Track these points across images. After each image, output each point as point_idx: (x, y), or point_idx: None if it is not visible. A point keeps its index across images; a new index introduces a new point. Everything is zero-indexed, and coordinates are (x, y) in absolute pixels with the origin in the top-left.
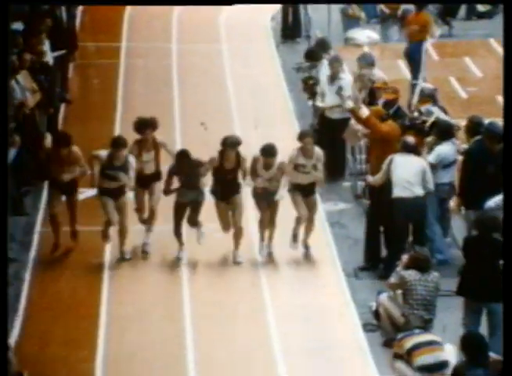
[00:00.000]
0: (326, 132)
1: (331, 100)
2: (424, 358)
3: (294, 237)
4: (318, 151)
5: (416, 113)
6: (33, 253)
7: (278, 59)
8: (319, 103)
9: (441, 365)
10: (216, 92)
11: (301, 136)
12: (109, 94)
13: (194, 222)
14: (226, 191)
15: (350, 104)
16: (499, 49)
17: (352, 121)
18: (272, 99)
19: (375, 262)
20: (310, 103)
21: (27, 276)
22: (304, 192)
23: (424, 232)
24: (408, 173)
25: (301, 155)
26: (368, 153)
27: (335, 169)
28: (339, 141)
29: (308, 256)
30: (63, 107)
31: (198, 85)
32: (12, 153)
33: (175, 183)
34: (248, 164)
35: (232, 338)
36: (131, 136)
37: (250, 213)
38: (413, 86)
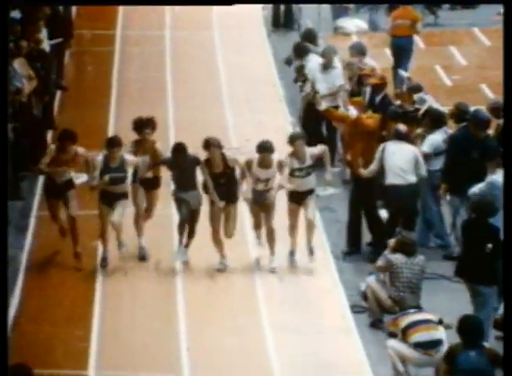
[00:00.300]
0: (314, 119)
1: (323, 88)
2: (419, 335)
3: (292, 253)
4: (312, 151)
5: (398, 102)
6: (29, 236)
7: (269, 47)
8: (309, 91)
9: (436, 343)
10: (208, 78)
11: (292, 140)
12: (105, 80)
13: (192, 231)
14: (222, 197)
15: (324, 105)
16: (483, 38)
17: (341, 109)
18: (263, 85)
19: (358, 247)
20: (303, 93)
21: (24, 258)
22: (302, 199)
23: (415, 218)
24: (400, 160)
25: (294, 159)
26: (349, 147)
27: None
28: (329, 128)
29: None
30: (58, 94)
31: (191, 72)
32: None
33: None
34: (241, 163)
35: (223, 316)
36: (126, 123)
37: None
38: (398, 75)
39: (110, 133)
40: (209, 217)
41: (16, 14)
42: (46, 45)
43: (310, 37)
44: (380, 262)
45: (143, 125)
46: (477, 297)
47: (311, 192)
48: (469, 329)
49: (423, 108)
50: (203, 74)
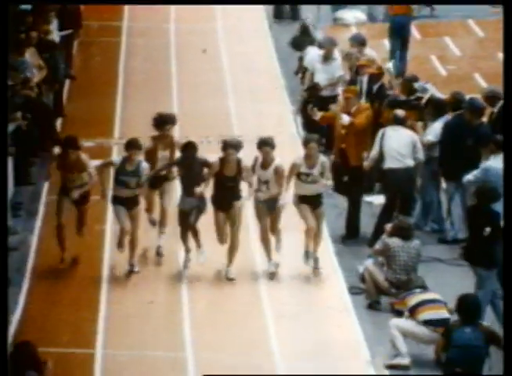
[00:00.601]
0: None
1: (323, 79)
2: (428, 314)
3: (306, 254)
4: (323, 159)
5: (391, 92)
6: (39, 220)
7: (271, 38)
8: (309, 84)
9: (445, 321)
10: (211, 68)
11: (305, 142)
12: (111, 70)
13: (194, 230)
14: (225, 199)
15: (318, 115)
16: (477, 30)
17: (340, 98)
18: (265, 75)
19: (356, 233)
20: (304, 86)
21: (34, 242)
22: (311, 204)
23: (411, 202)
24: (398, 144)
25: (304, 163)
26: (343, 140)
27: (324, 143)
28: None
29: (316, 270)
30: (67, 83)
31: (194, 62)
32: (11, 127)
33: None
34: (250, 173)
35: (224, 298)
36: (132, 112)
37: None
38: (394, 66)
39: (117, 121)
40: (214, 223)
41: (27, 6)
42: (56, 36)
43: (307, 31)
44: (377, 246)
45: (164, 121)
46: (476, 278)
47: (319, 197)
48: (466, 306)
49: (426, 97)
50: (206, 65)
